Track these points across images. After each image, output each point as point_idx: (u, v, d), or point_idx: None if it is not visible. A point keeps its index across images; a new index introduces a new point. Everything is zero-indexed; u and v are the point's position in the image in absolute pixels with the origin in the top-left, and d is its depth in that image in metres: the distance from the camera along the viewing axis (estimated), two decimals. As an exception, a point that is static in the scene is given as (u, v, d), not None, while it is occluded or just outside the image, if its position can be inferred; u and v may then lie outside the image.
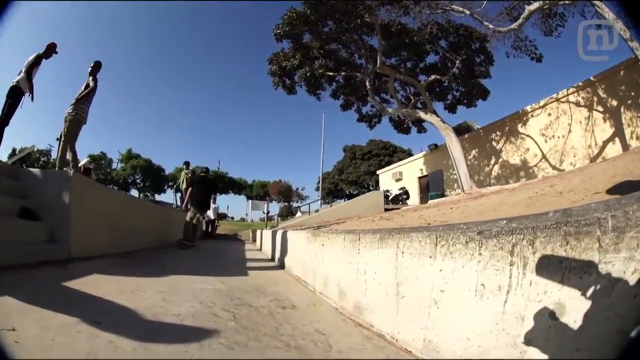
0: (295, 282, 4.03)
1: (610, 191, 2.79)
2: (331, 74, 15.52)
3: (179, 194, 14.06)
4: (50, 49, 5.76)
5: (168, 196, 61.83)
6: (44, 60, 5.74)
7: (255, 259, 7.09)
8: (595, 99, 11.77)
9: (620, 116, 10.92)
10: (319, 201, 33.70)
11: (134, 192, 54.58)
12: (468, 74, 14.83)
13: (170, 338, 1.92)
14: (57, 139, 12.01)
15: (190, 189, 8.71)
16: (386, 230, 2.16)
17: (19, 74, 5.48)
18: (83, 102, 5.63)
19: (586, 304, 1.03)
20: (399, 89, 16.55)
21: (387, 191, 18.78)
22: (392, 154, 44.87)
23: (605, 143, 11.32)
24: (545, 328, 1.12)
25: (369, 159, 45.42)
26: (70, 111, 5.46)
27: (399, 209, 12.33)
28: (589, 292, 1.03)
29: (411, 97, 16.43)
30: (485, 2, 11.87)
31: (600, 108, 11.60)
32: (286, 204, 59.59)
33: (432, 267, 1.62)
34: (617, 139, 11.00)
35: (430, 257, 1.65)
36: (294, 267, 4.55)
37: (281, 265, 5.45)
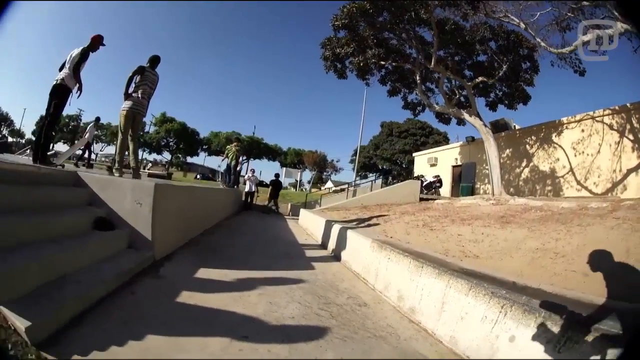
0: (355, 278, 4.87)
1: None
2: (383, 63, 15.97)
3: (223, 166, 13.61)
4: (97, 41, 5.35)
5: (199, 159, 63.32)
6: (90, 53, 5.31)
7: (308, 245, 7.69)
8: (628, 126, 12.12)
9: (648, 149, 11.20)
10: (355, 177, 34.51)
11: (167, 155, 56.25)
12: (513, 77, 15.14)
13: (303, 337, 2.69)
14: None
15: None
16: (442, 269, 3.27)
17: (61, 70, 5.08)
18: (138, 93, 5.45)
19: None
20: (445, 82, 16.90)
21: (422, 176, 19.27)
22: (428, 135, 45.12)
23: (629, 172, 11.78)
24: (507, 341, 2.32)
25: (405, 137, 45.52)
26: (123, 106, 5.34)
27: (434, 200, 13.14)
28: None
29: (455, 90, 16.88)
30: (538, 14, 12.11)
31: (631, 136, 11.97)
32: (319, 173, 61.02)
33: (465, 299, 2.79)
34: (640, 171, 11.35)
35: (465, 295, 2.81)
36: (353, 263, 5.46)
37: (336, 257, 6.22)
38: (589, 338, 1.81)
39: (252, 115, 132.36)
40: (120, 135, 5.49)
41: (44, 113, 5.03)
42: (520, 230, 5.30)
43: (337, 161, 63.16)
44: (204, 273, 4.04)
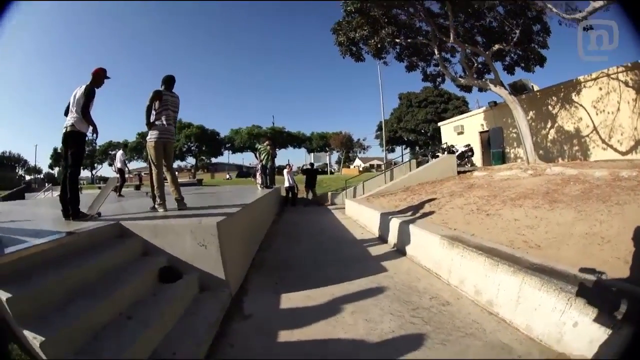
0: (428, 275, 4.97)
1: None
2: (397, 40, 15.87)
3: (258, 166, 13.69)
4: (100, 76, 4.69)
5: (224, 158, 64.48)
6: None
7: (367, 240, 7.69)
8: None
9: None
10: (385, 152, 34.10)
11: (191, 160, 57.13)
12: (526, 40, 14.90)
13: (410, 348, 2.87)
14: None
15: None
16: (516, 266, 3.51)
17: (68, 113, 4.56)
18: (162, 120, 5.11)
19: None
20: (459, 49, 16.57)
21: (453, 146, 19.24)
22: (447, 102, 44.90)
23: None
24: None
25: (425, 106, 45.35)
26: (149, 137, 5.06)
27: (471, 172, 12.93)
28: None
29: (472, 58, 16.62)
30: None
31: None
32: (347, 153, 61.38)
33: (538, 293, 3.09)
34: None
35: (538, 290, 3.11)
36: (421, 259, 5.55)
37: (400, 252, 6.27)
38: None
39: (268, 105, 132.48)
40: (154, 168, 5.18)
41: (57, 147, 4.75)
42: (568, 211, 5.47)
43: (363, 139, 63.19)
44: (287, 301, 3.99)
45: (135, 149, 47.79)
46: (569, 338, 2.70)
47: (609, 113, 13.02)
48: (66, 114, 4.60)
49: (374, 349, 2.89)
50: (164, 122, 5.09)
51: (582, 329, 2.62)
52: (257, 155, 13.33)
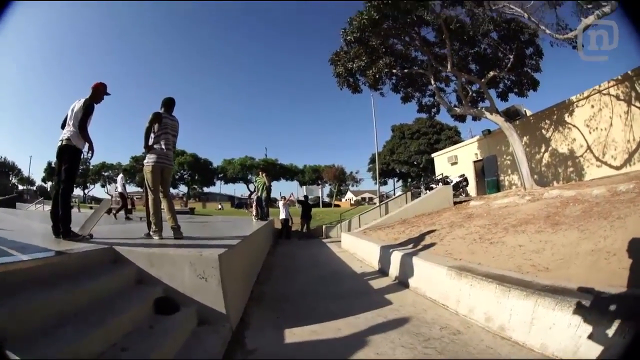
0: (434, 306, 4.85)
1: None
2: (394, 71, 16.13)
3: (253, 197, 13.92)
4: (100, 91, 4.58)
5: (216, 188, 64.51)
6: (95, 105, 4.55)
7: (367, 274, 7.56)
8: (633, 93, 11.97)
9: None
10: (378, 185, 34.18)
11: (183, 188, 57.01)
12: (519, 65, 15.18)
13: None
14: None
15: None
16: (529, 290, 3.56)
17: (65, 126, 4.38)
18: (161, 144, 4.91)
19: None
20: (453, 78, 17.06)
21: (447, 177, 19.33)
22: (439, 132, 45.67)
23: None
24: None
25: (417, 137, 46.04)
26: (147, 161, 4.84)
27: (467, 202, 12.97)
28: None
29: (466, 87, 16.79)
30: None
31: (637, 103, 11.83)
32: (339, 186, 61.74)
33: (552, 313, 3.15)
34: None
35: (552, 309, 3.17)
36: (426, 290, 5.40)
37: (403, 284, 6.12)
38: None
39: (261, 137, 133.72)
40: (150, 194, 4.90)
41: (51, 161, 4.62)
42: (571, 232, 5.60)
43: (356, 172, 63.63)
44: (291, 336, 3.74)
45: (129, 173, 47.14)
46: (584, 350, 2.77)
47: (602, 130, 13.16)
48: (63, 127, 4.42)
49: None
50: (163, 147, 4.90)
51: (597, 338, 2.71)
52: (254, 186, 13.23)
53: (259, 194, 12.82)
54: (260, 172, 13.74)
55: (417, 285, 5.72)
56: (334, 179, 60.26)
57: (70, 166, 4.25)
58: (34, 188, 62.72)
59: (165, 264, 3.62)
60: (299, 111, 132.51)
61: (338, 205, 51.51)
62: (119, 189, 11.82)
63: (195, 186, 59.07)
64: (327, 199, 60.11)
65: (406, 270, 6.19)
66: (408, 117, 62.98)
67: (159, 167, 4.86)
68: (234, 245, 4.58)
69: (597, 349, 2.64)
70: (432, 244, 7.36)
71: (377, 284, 6.54)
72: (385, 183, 52.39)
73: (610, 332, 2.61)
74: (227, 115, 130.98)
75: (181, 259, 3.63)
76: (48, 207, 8.75)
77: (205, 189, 63.32)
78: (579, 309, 2.95)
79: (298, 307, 5.02)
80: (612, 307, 2.85)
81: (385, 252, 7.45)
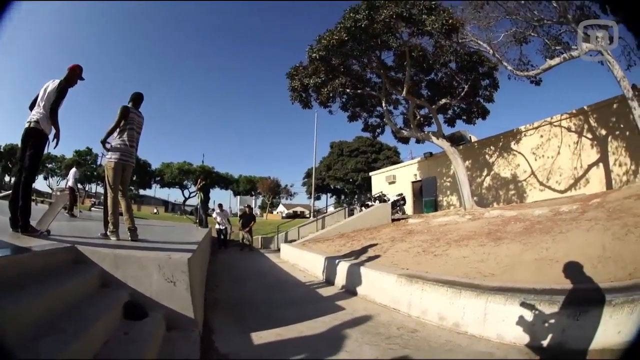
0: (386, 310, 5.14)
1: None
2: (348, 90, 16.41)
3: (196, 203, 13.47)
4: (75, 74, 4.27)
5: (151, 191, 61.57)
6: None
7: (314, 283, 7.72)
8: (586, 126, 13.19)
9: (607, 144, 12.35)
10: (312, 200, 34.42)
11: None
12: (472, 94, 15.84)
13: None
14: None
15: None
16: (479, 290, 4.14)
17: (34, 107, 4.04)
18: (125, 139, 4.65)
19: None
20: (402, 102, 17.75)
21: (385, 195, 19.78)
22: (378, 152, 46.59)
23: (590, 167, 12.82)
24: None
25: (356, 155, 46.82)
26: (109, 157, 4.57)
27: (405, 219, 13.59)
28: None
29: (414, 111, 17.26)
30: (502, 35, 13.18)
31: (589, 135, 13.03)
32: (272, 198, 61.44)
33: (504, 307, 3.71)
34: (601, 164, 12.46)
35: (503, 304, 3.74)
36: (376, 297, 5.70)
37: (351, 292, 6.32)
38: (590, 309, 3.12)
39: (201, 143, 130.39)
40: (110, 192, 4.56)
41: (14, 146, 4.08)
42: (514, 245, 6.06)
43: (291, 186, 64.00)
44: (259, 339, 3.80)
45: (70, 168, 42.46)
46: (541, 335, 3.23)
47: (548, 157, 14.21)
48: (32, 107, 4.07)
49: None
50: (127, 143, 4.64)
51: (553, 321, 3.20)
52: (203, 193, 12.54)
53: (198, 201, 12.56)
54: (199, 179, 13.16)
55: (366, 292, 5.98)
56: (268, 190, 60.13)
57: (35, 152, 3.87)
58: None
59: (131, 267, 3.39)
60: (242, 119, 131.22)
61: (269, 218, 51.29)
62: (70, 183, 10.99)
63: (132, 187, 55.64)
64: (258, 211, 59.64)
65: (354, 279, 6.44)
66: (349, 134, 64.34)
67: (121, 164, 4.61)
68: (195, 250, 4.47)
69: (553, 332, 3.13)
70: (377, 256, 7.68)
71: (325, 292, 6.73)
72: (318, 198, 53.10)
73: (562, 317, 3.13)
74: (168, 120, 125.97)
75: (149, 262, 3.43)
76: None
77: (142, 192, 60.20)
78: (529, 303, 3.40)
79: (254, 312, 5.11)
80: (559, 298, 3.35)
81: (331, 263, 7.68)
